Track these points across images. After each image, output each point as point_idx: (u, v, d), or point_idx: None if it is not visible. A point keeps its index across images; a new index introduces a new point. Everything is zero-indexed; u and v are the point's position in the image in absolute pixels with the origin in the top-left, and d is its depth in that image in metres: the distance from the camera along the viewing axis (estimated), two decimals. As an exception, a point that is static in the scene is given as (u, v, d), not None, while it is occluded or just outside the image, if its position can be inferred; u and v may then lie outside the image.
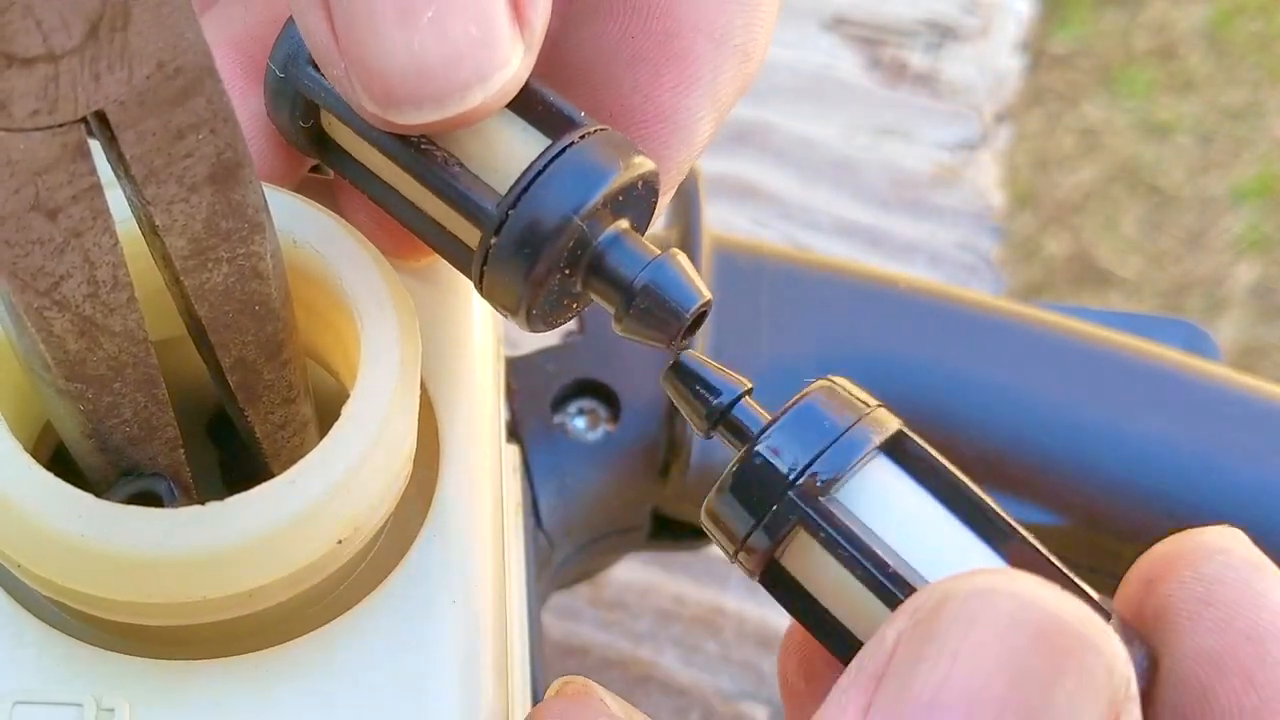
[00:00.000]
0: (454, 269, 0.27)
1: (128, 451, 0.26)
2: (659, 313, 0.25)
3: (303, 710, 0.25)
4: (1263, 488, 0.41)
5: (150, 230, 0.24)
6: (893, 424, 0.25)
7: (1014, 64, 0.71)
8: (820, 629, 0.25)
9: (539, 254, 0.25)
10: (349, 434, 0.25)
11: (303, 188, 0.28)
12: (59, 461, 0.28)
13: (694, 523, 0.45)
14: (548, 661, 0.48)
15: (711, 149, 0.50)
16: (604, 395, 0.43)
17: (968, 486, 0.25)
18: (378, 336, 0.26)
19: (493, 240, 0.25)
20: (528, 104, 0.26)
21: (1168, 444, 0.42)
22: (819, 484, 0.24)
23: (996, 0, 0.73)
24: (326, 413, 0.27)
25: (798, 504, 0.24)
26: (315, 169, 0.30)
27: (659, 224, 0.45)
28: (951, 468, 0.25)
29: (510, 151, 0.25)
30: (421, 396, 0.27)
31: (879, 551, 0.24)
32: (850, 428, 0.25)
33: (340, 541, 0.25)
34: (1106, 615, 0.24)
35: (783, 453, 0.25)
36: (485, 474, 0.28)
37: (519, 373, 0.43)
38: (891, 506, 0.25)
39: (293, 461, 0.25)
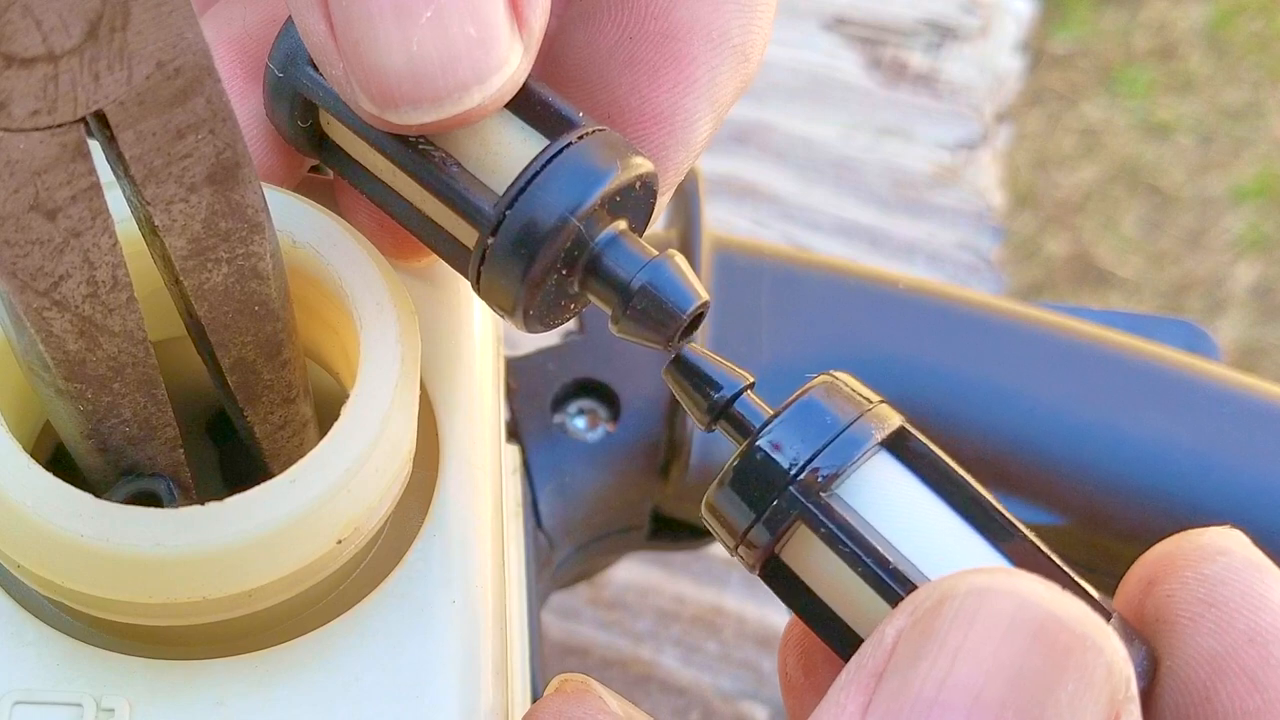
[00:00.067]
0: (454, 269, 0.27)
1: (128, 451, 0.26)
2: (656, 314, 0.25)
3: (303, 710, 0.25)
4: (1263, 488, 0.41)
5: (150, 230, 0.24)
6: (895, 420, 0.25)
7: (1014, 64, 0.72)
8: (819, 624, 0.25)
9: (536, 255, 0.25)
10: (349, 434, 0.25)
11: (302, 188, 0.28)
12: (59, 461, 0.28)
13: (694, 522, 0.45)
14: (547, 661, 0.48)
15: (711, 149, 0.50)
16: (604, 395, 0.43)
17: (969, 483, 0.25)
18: (378, 336, 0.26)
19: (490, 241, 0.25)
20: (526, 104, 0.26)
21: (1168, 444, 0.42)
22: (820, 479, 0.24)
23: (996, 0, 0.73)
24: (326, 413, 0.27)
25: (798, 499, 0.24)
26: (315, 169, 0.30)
27: (659, 224, 0.45)
28: (953, 464, 0.25)
29: (508, 152, 0.25)
30: (421, 396, 0.27)
31: (879, 548, 0.24)
32: (852, 423, 0.25)
33: (340, 541, 0.25)
34: (1107, 615, 0.24)
35: (784, 447, 0.25)
36: (485, 474, 0.28)
37: (519, 373, 0.43)
38: (892, 503, 0.25)
39: (293, 461, 0.25)
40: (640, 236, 0.26)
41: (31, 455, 0.24)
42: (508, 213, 0.25)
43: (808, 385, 0.25)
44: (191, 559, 0.24)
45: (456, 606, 0.26)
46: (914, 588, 0.24)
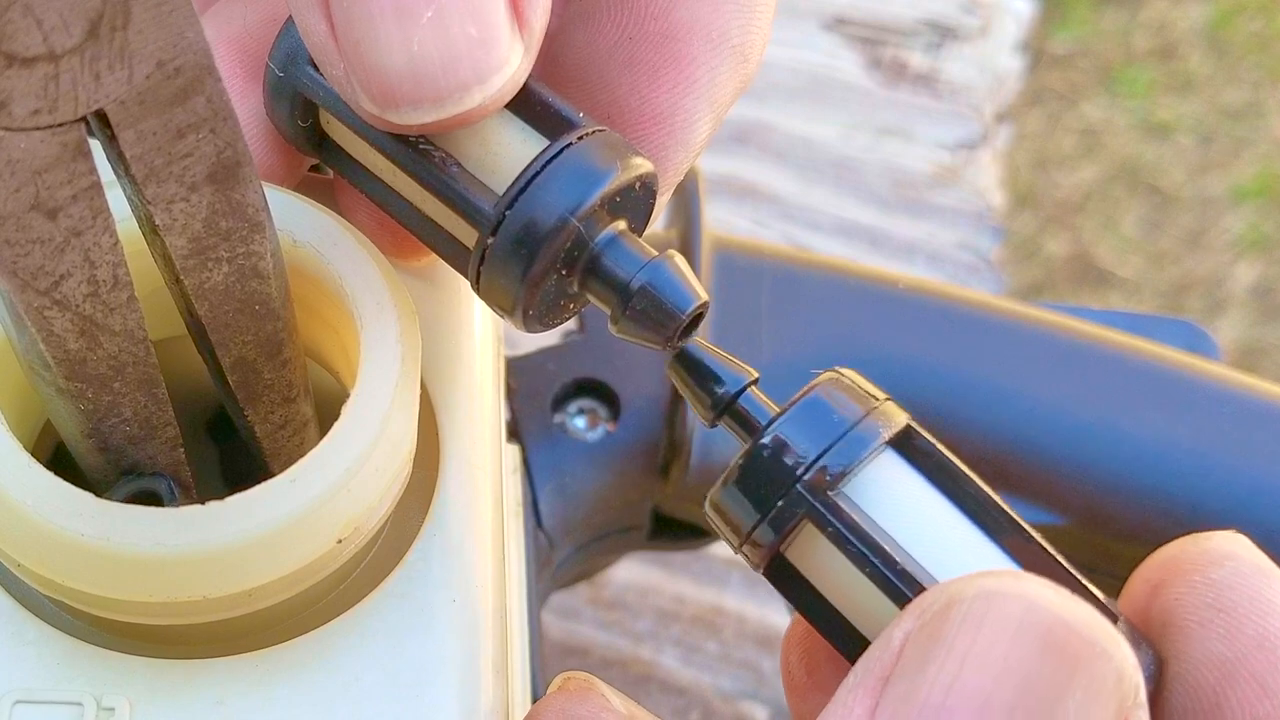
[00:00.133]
0: (453, 269, 0.27)
1: (128, 451, 0.26)
2: (655, 314, 0.25)
3: (303, 710, 0.25)
4: (1263, 488, 0.41)
5: (150, 230, 0.24)
6: (901, 418, 0.25)
7: (1014, 64, 0.72)
8: (824, 624, 0.25)
9: (536, 255, 0.25)
10: (349, 434, 0.25)
11: (303, 187, 0.28)
12: (59, 461, 0.28)
13: (694, 523, 0.45)
14: (547, 661, 0.48)
15: (711, 149, 0.50)
16: (604, 395, 0.43)
17: (975, 483, 0.25)
18: (378, 336, 0.26)
19: (489, 241, 0.25)
20: (526, 104, 0.26)
21: (1168, 444, 0.42)
22: (827, 478, 0.24)
23: (996, 0, 0.73)
24: (326, 413, 0.27)
25: (805, 498, 0.24)
26: (315, 168, 0.30)
27: (659, 224, 0.45)
28: (959, 464, 0.25)
29: (508, 152, 0.25)
30: (421, 396, 0.27)
31: (887, 548, 0.24)
32: (859, 421, 0.24)
33: (340, 541, 0.25)
34: (1114, 618, 0.24)
35: (790, 445, 0.24)
36: (485, 474, 0.28)
37: (519, 373, 0.43)
38: (899, 502, 0.24)
39: (293, 461, 0.25)
40: (640, 236, 0.26)
41: (32, 455, 0.24)
42: (508, 213, 0.25)
43: (813, 382, 0.25)
44: (191, 558, 0.24)
45: (456, 606, 0.26)
46: (921, 589, 0.23)
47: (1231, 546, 0.24)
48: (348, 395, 0.25)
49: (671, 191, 0.30)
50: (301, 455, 0.25)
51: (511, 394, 0.43)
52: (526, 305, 0.25)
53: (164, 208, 0.23)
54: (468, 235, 0.26)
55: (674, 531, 0.46)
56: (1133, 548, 0.41)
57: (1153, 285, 1.39)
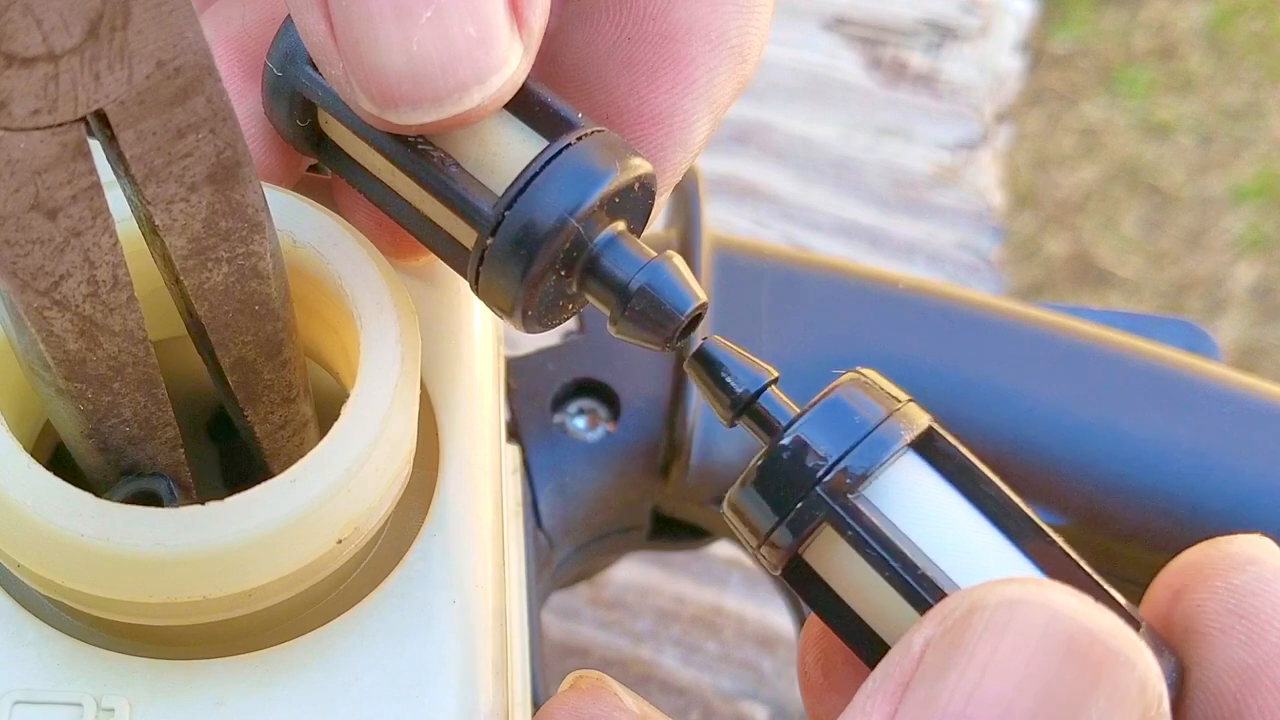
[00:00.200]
0: (452, 269, 0.27)
1: (128, 451, 0.26)
2: (654, 315, 0.25)
3: (303, 710, 0.25)
4: (1263, 488, 0.41)
5: (150, 230, 0.24)
6: (923, 420, 0.25)
7: (1014, 64, 0.72)
8: (842, 626, 0.25)
9: (535, 255, 0.25)
10: (349, 434, 0.25)
11: (302, 187, 0.28)
12: (59, 461, 0.28)
13: (694, 523, 0.45)
14: (547, 661, 0.48)
15: (711, 149, 0.50)
16: (604, 395, 0.43)
17: (998, 487, 0.24)
18: (378, 336, 0.26)
19: (489, 241, 0.25)
20: (525, 105, 0.25)
21: (1168, 444, 0.42)
22: (848, 480, 0.24)
23: (996, 0, 0.73)
24: (326, 413, 0.27)
25: (825, 500, 0.24)
26: (313, 168, 0.30)
27: (658, 223, 0.45)
28: (982, 467, 0.25)
29: (507, 152, 0.25)
30: (421, 396, 0.27)
31: (908, 552, 0.24)
32: (881, 423, 0.24)
33: (340, 541, 0.25)
34: (1136, 624, 0.24)
35: (811, 446, 0.24)
36: (485, 474, 0.28)
37: (519, 373, 0.43)
38: (921, 506, 0.24)
39: (293, 461, 0.25)
40: (638, 237, 0.26)
41: (31, 455, 0.24)
42: (507, 213, 0.25)
43: (835, 383, 0.25)
44: (191, 559, 0.24)
45: (456, 606, 0.26)
46: (942, 595, 0.23)
47: (1255, 551, 0.24)
48: (348, 395, 0.25)
49: (669, 192, 0.30)
50: (301, 455, 0.25)
51: (511, 394, 0.43)
52: (525, 306, 0.25)
53: (164, 208, 0.23)
54: (467, 236, 0.26)
55: (674, 531, 0.46)
56: (1133, 548, 0.41)
57: (1153, 285, 1.39)
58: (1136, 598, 0.25)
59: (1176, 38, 1.55)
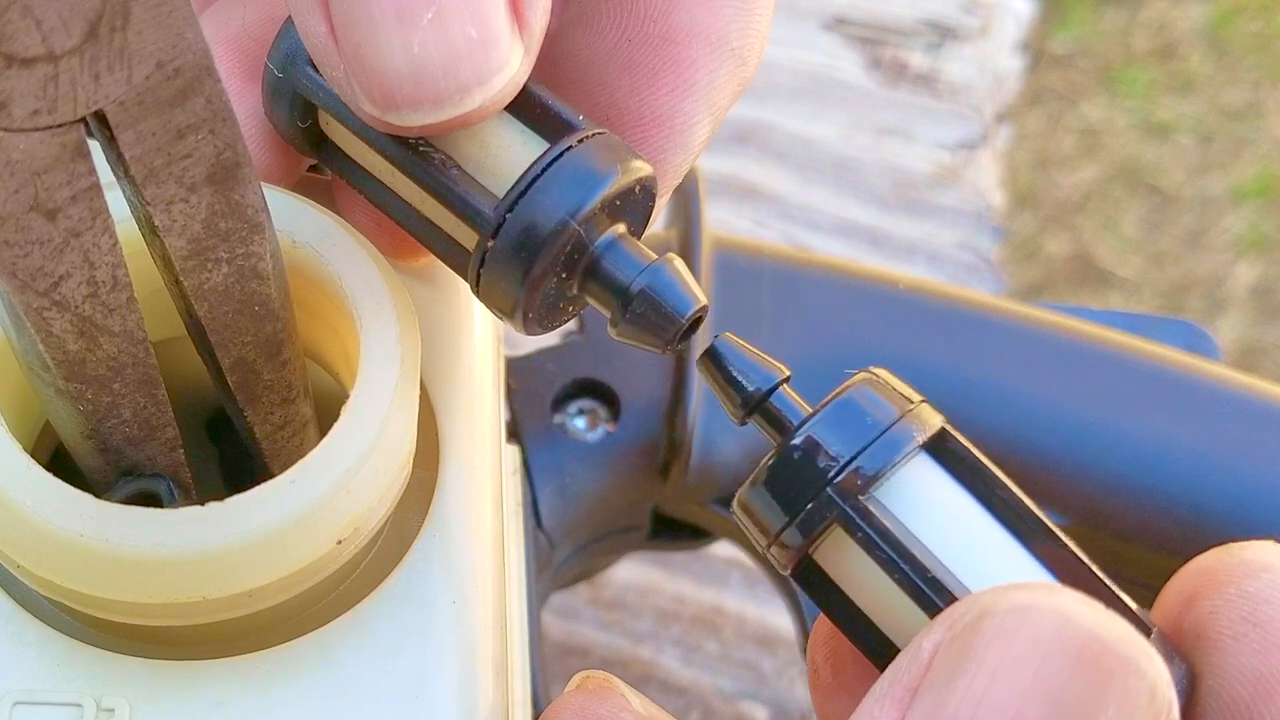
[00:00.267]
0: (452, 270, 0.27)
1: (127, 452, 0.26)
2: (655, 318, 0.25)
3: (302, 711, 0.25)
4: (1263, 488, 0.41)
5: (150, 230, 0.24)
6: (936, 421, 0.25)
7: (1014, 64, 0.72)
8: (851, 627, 0.25)
9: (536, 258, 0.25)
10: (349, 434, 0.25)
11: (302, 188, 0.28)
12: (59, 462, 0.28)
13: (694, 523, 0.45)
14: (547, 661, 0.48)
15: (711, 149, 0.50)
16: (604, 395, 0.43)
17: (1010, 489, 0.24)
18: (378, 336, 0.26)
19: (490, 243, 0.25)
20: (526, 106, 0.25)
21: (1168, 444, 0.42)
22: (859, 482, 0.24)
23: (996, 0, 0.73)
24: (326, 413, 0.27)
25: (835, 501, 0.24)
26: (313, 168, 0.30)
27: (658, 224, 0.45)
28: (994, 469, 0.24)
29: (508, 154, 0.25)
30: (421, 396, 0.27)
31: (918, 555, 0.23)
32: (893, 424, 0.24)
33: (340, 542, 0.25)
34: (1147, 630, 0.23)
35: (822, 447, 0.24)
36: (485, 474, 0.28)
37: (519, 373, 0.43)
38: (932, 507, 0.24)
39: (293, 461, 0.25)
40: (638, 238, 0.26)
41: (31, 455, 0.24)
42: (508, 216, 0.25)
43: (847, 382, 0.25)
44: (191, 559, 0.24)
45: (456, 606, 0.26)
46: (953, 598, 0.23)
47: (1269, 558, 0.24)
48: (348, 395, 0.25)
49: (669, 193, 0.30)
50: (301, 456, 0.25)
51: (511, 394, 0.43)
52: (526, 308, 0.25)
53: (163, 209, 0.23)
54: (467, 237, 0.26)
55: (674, 531, 0.46)
56: (1133, 548, 0.41)
57: (1153, 285, 1.39)
58: (1137, 598, 0.25)
59: (1176, 38, 1.55)
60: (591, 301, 0.26)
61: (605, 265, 0.25)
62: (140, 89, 0.21)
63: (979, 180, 0.66)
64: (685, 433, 0.41)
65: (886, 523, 0.24)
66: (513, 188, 0.25)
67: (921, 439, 0.24)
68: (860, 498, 0.24)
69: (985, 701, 0.20)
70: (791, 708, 0.52)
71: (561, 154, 0.25)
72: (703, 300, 0.25)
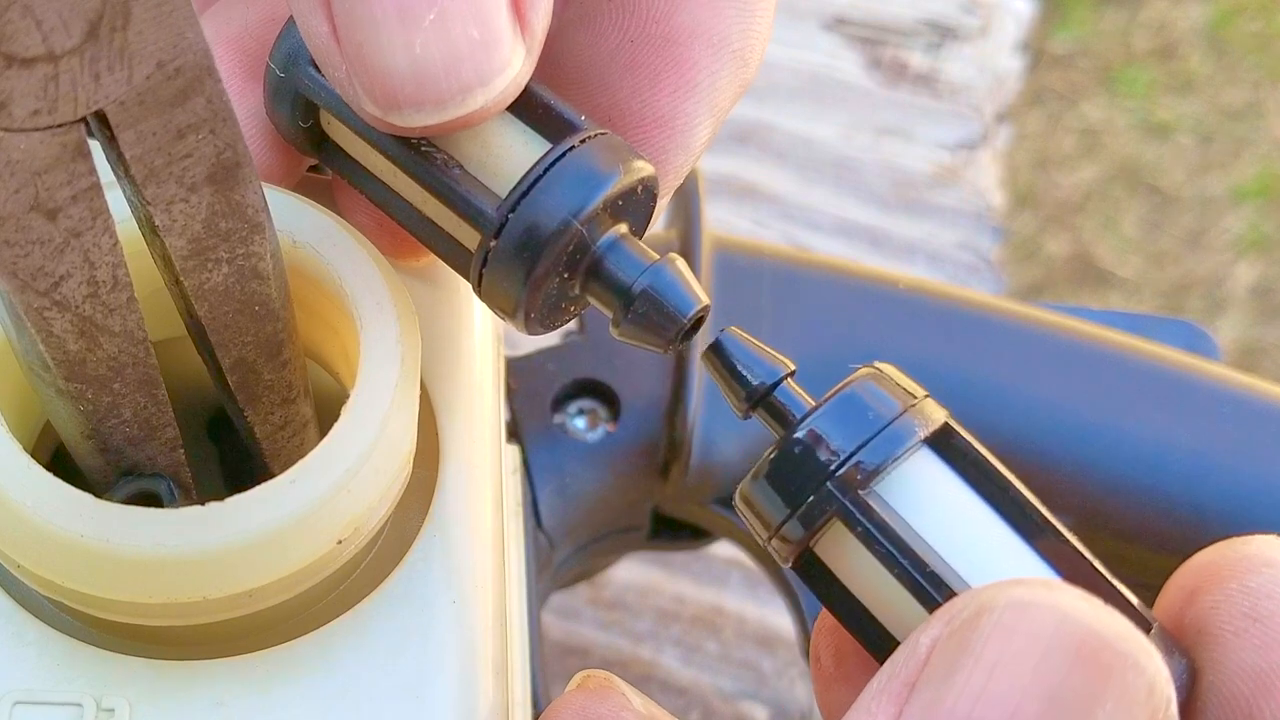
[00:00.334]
0: (454, 270, 0.27)
1: (128, 452, 0.26)
2: (657, 318, 0.25)
3: (302, 711, 0.25)
4: (1263, 488, 0.41)
5: (150, 230, 0.24)
6: (939, 416, 0.25)
7: (1014, 64, 0.72)
8: (851, 620, 0.25)
9: (538, 258, 0.25)
10: (349, 434, 0.25)
11: (302, 188, 0.28)
12: (59, 462, 0.28)
13: (694, 523, 0.45)
14: (547, 661, 0.48)
15: (712, 149, 0.50)
16: (604, 395, 0.43)
17: (1013, 485, 0.24)
18: (378, 336, 0.26)
19: (492, 243, 0.25)
20: (528, 107, 0.25)
21: (1168, 444, 0.42)
22: (860, 476, 0.24)
23: (996, 0, 0.73)
24: (326, 413, 0.27)
25: (836, 495, 0.24)
26: (314, 168, 0.30)
27: (659, 224, 0.45)
28: (997, 464, 0.24)
29: (510, 154, 0.25)
30: (421, 396, 0.27)
31: (917, 550, 0.23)
32: (895, 418, 0.24)
33: (340, 542, 0.25)
34: (1148, 625, 0.23)
35: (824, 440, 0.24)
36: (485, 474, 0.28)
37: (519, 373, 0.43)
38: (933, 502, 0.24)
39: (293, 461, 0.25)
40: (640, 239, 0.26)
41: (31, 455, 0.24)
42: (510, 216, 0.25)
43: (851, 377, 0.25)
44: (191, 559, 0.24)
45: (456, 606, 0.26)
46: (951, 593, 0.23)
47: (1271, 553, 0.24)
48: (348, 395, 0.25)
49: (671, 194, 0.30)
50: (301, 456, 0.25)
51: (511, 394, 0.43)
52: (528, 308, 0.25)
53: (164, 208, 0.23)
54: (469, 237, 0.26)
55: (674, 531, 0.46)
56: (1133, 548, 0.41)
57: (1153, 285, 1.39)
58: (1138, 597, 0.25)
59: (1176, 38, 1.55)
60: (593, 301, 0.26)
61: (607, 265, 0.25)
62: (141, 89, 0.21)
63: (979, 180, 0.66)
64: (685, 433, 0.41)
65: (886, 517, 0.24)
66: (515, 188, 0.25)
67: (924, 434, 0.24)
68: (861, 492, 0.24)
69: (983, 697, 0.20)
70: (791, 708, 0.52)
71: (564, 154, 0.25)
72: (705, 300, 0.25)
